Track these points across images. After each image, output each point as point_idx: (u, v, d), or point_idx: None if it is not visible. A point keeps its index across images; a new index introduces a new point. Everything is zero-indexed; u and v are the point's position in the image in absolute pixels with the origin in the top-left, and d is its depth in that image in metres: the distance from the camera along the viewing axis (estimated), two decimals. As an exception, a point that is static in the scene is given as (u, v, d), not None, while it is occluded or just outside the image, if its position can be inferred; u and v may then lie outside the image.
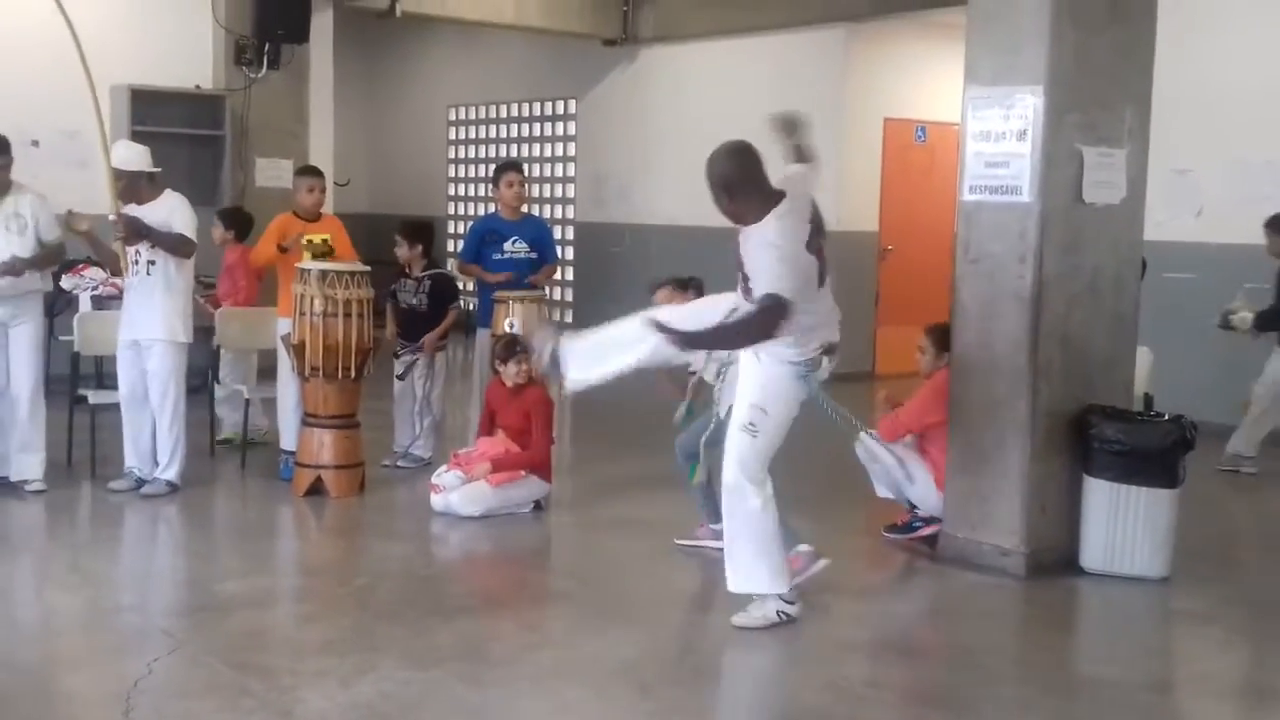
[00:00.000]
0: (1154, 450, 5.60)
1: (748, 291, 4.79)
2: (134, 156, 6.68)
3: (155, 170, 6.74)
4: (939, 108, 11.45)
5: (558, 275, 14.58)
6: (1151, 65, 5.98)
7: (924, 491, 6.21)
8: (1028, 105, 5.60)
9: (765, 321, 4.65)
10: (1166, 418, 5.77)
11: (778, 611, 4.95)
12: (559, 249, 14.81)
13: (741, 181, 4.86)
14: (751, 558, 4.94)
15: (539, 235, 7.69)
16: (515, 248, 7.51)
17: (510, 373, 6.62)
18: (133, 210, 6.54)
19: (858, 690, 4.41)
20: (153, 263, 6.61)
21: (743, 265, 4.85)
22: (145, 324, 6.66)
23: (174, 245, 6.60)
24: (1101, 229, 5.81)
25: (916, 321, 11.43)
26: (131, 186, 6.60)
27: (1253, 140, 9.05)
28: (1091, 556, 5.69)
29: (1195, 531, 5.99)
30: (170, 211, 6.64)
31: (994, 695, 4.47)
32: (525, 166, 8.56)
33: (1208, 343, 9.17)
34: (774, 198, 4.82)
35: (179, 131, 10.33)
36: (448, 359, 7.67)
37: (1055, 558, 5.71)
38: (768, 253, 4.70)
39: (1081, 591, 5.59)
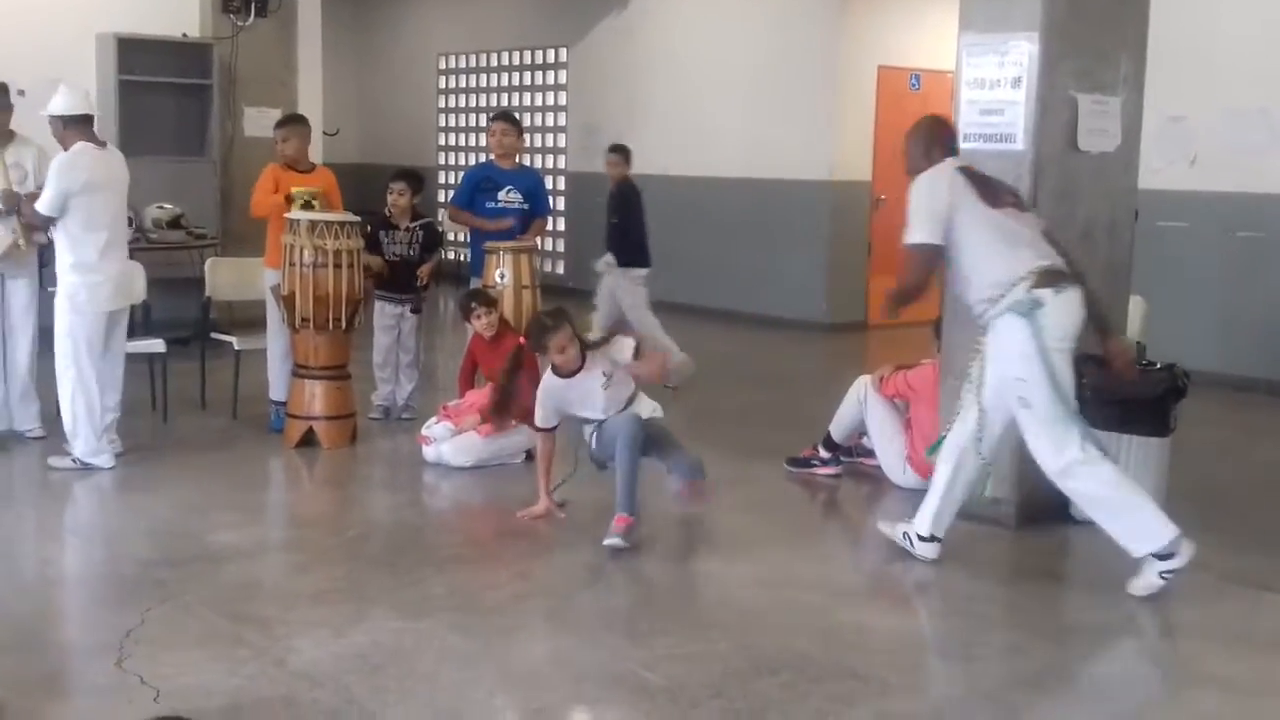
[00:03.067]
0: (1146, 399, 5.59)
1: None
2: (59, 101, 6.26)
3: (72, 114, 6.24)
4: (934, 55, 11.38)
5: (550, 225, 14.58)
6: (1147, 12, 5.93)
7: (891, 460, 6.28)
8: (1023, 52, 5.56)
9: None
10: (1159, 366, 5.77)
11: (1160, 574, 4.75)
12: (550, 199, 14.80)
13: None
14: (1131, 521, 4.78)
15: (533, 186, 7.67)
16: (509, 197, 7.50)
17: (480, 326, 6.61)
18: None
19: (849, 637, 4.43)
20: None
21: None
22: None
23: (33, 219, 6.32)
24: (1096, 177, 5.78)
25: (909, 271, 11.55)
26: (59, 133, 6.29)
27: (1246, 88, 9.00)
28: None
29: (1187, 480, 6.01)
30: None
31: (985, 641, 4.49)
32: (517, 116, 8.50)
33: (1200, 292, 9.18)
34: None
35: (166, 80, 10.22)
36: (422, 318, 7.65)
37: (1045, 507, 5.71)
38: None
39: (1071, 540, 5.61)
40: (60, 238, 6.27)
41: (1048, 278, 4.79)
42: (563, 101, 14.38)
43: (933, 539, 5.15)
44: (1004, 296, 4.80)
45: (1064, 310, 4.80)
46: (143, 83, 9.96)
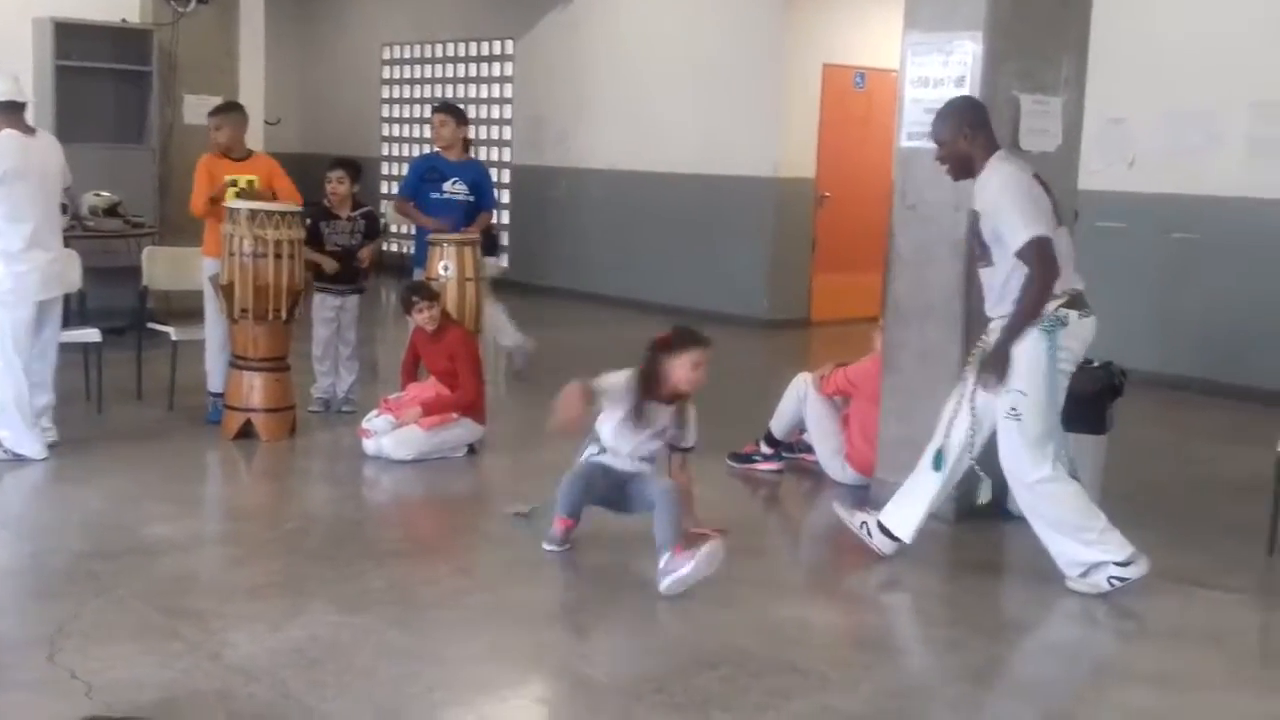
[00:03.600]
0: (1083, 396, 5.64)
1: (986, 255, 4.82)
2: None
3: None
4: (878, 54, 11.44)
5: (495, 219, 14.53)
6: (1089, 13, 6.00)
7: (829, 458, 6.32)
8: (966, 52, 5.60)
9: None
10: (1096, 365, 5.83)
11: (1109, 579, 4.80)
12: (495, 192, 14.73)
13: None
14: (1065, 548, 4.83)
15: (478, 179, 7.66)
16: (454, 189, 7.50)
17: (421, 319, 6.57)
18: None
19: (789, 632, 4.44)
20: None
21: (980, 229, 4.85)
22: None
23: None
24: (1036, 177, 5.83)
25: (853, 269, 11.65)
26: None
27: (1185, 91, 9.13)
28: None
29: (1123, 477, 6.09)
30: None
31: (924, 636, 4.52)
32: (461, 108, 8.45)
33: (1137, 292, 9.31)
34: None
35: (104, 66, 10.07)
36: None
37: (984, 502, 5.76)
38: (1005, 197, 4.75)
39: (1009, 535, 5.66)
40: None
41: (1078, 300, 4.80)
42: (509, 94, 14.31)
43: (897, 540, 5.10)
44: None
45: (1082, 334, 4.82)
46: (81, 68, 9.81)
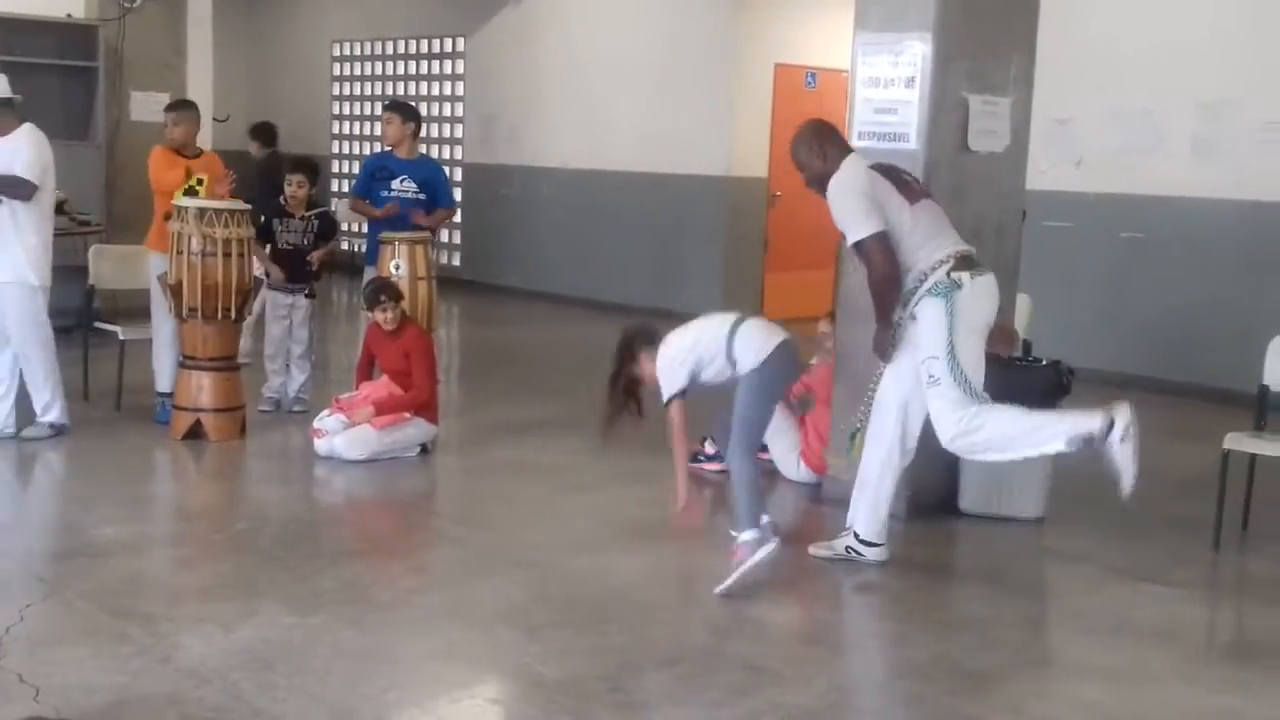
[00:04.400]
0: (1031, 395, 5.71)
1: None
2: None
3: (13, 97, 6.40)
4: (829, 54, 11.50)
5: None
6: (1037, 15, 6.06)
7: (784, 455, 6.35)
8: (916, 52, 5.64)
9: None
10: (1044, 363, 5.90)
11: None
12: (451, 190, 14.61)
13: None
14: (1039, 438, 4.82)
15: (429, 178, 7.60)
16: (403, 186, 7.44)
17: (384, 319, 6.55)
18: None
19: (743, 629, 4.46)
20: None
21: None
22: None
23: (6, 188, 6.28)
24: (985, 177, 5.90)
25: (804, 267, 11.71)
26: None
27: (1130, 92, 9.25)
28: (969, 498, 5.82)
29: (1070, 474, 6.15)
30: (14, 152, 6.31)
31: (875, 632, 4.56)
32: (412, 105, 8.40)
33: (1085, 290, 9.42)
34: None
35: (49, 62, 9.94)
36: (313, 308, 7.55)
37: (934, 500, 5.82)
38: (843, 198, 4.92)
39: (959, 532, 5.72)
40: (26, 214, 6.38)
41: (966, 262, 4.87)
42: (460, 92, 14.26)
43: (878, 544, 5.14)
44: (926, 280, 4.86)
45: (980, 294, 4.88)
46: (25, 64, 9.65)
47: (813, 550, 5.26)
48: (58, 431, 6.60)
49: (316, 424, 6.54)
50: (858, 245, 4.87)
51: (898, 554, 5.47)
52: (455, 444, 7.00)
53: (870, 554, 5.16)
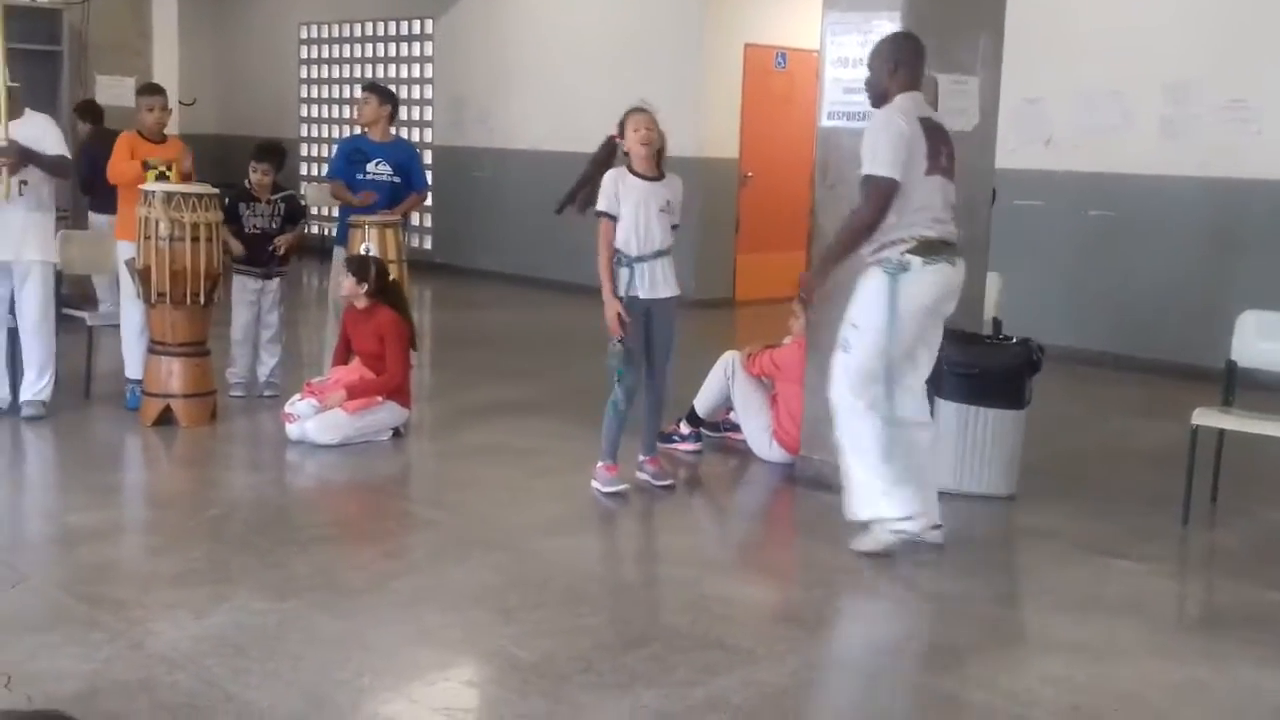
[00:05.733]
0: (1002, 373, 5.76)
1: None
2: None
3: (14, 85, 6.50)
4: (799, 34, 11.50)
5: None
6: (1005, -6, 6.08)
7: (757, 435, 6.36)
8: (885, 31, 5.63)
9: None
10: (1014, 341, 5.94)
11: (891, 530, 4.94)
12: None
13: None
14: (861, 480, 4.93)
15: (404, 160, 7.58)
16: (379, 169, 7.43)
17: (346, 288, 6.55)
18: None
19: (715, 609, 4.48)
20: (24, 182, 6.42)
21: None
22: (20, 245, 6.52)
23: (56, 168, 6.54)
24: (955, 156, 5.89)
25: (776, 248, 11.73)
26: None
27: (1099, 71, 9.29)
28: (941, 476, 5.84)
29: (1041, 451, 6.20)
30: (43, 132, 6.51)
31: (847, 610, 4.58)
32: (389, 89, 8.34)
33: (1054, 269, 9.47)
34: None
35: (13, 47, 9.75)
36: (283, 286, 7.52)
37: (907, 478, 5.84)
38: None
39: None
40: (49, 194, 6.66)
41: (926, 248, 4.88)
42: (429, 74, 14.19)
43: (905, 517, 5.02)
44: (881, 251, 4.89)
45: (926, 281, 4.89)
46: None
47: (854, 547, 5.07)
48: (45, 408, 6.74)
49: (288, 408, 6.52)
50: (867, 178, 4.87)
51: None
52: (428, 428, 6.99)
53: (909, 529, 5.02)
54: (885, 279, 4.86)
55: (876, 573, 5.01)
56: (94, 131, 9.29)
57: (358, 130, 7.75)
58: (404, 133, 14.03)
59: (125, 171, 6.88)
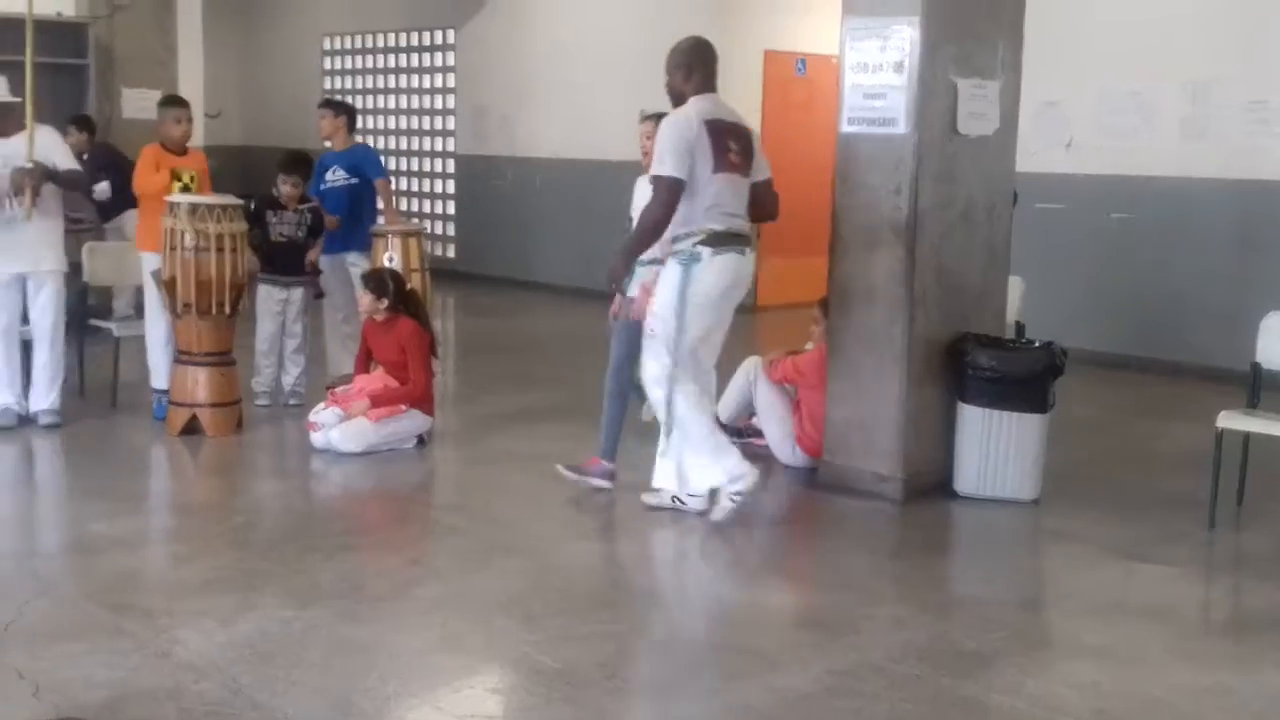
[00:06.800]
0: (1025, 376, 5.74)
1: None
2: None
3: (16, 100, 6.54)
4: (819, 40, 11.48)
5: (440, 209, 14.48)
6: (1024, -3, 6.07)
7: (779, 440, 6.36)
8: (904, 37, 5.65)
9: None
10: (1037, 345, 5.92)
11: (730, 495, 5.31)
12: (440, 182, 14.67)
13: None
14: (690, 461, 5.33)
15: (356, 161, 7.88)
16: (335, 176, 7.77)
17: (365, 304, 6.60)
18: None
19: (738, 614, 4.48)
20: (38, 195, 6.51)
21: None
22: (36, 257, 6.63)
23: (71, 183, 6.75)
24: (975, 160, 5.91)
25: (797, 253, 11.70)
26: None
27: (1117, 72, 9.26)
28: (965, 480, 5.84)
29: (1064, 455, 6.18)
30: (51, 147, 6.60)
31: (871, 615, 4.57)
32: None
33: (1076, 272, 9.44)
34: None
35: (40, 60, 9.87)
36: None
37: (930, 482, 5.85)
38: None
39: (955, 514, 5.74)
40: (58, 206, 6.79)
41: (715, 239, 5.23)
42: (451, 84, 14.24)
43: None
44: (676, 243, 5.26)
45: (716, 269, 5.25)
46: (15, 62, 9.64)
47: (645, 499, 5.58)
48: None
49: (312, 417, 6.56)
50: (656, 178, 5.25)
51: (893, 536, 5.50)
52: (452, 435, 7.02)
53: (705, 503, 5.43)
54: (679, 269, 5.24)
55: (900, 576, 5.01)
56: (91, 142, 9.36)
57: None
58: (426, 143, 14.17)
59: (153, 183, 6.93)
